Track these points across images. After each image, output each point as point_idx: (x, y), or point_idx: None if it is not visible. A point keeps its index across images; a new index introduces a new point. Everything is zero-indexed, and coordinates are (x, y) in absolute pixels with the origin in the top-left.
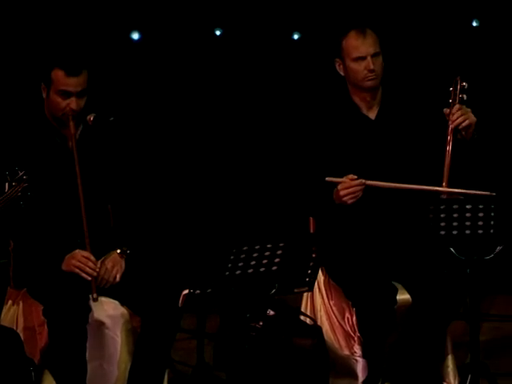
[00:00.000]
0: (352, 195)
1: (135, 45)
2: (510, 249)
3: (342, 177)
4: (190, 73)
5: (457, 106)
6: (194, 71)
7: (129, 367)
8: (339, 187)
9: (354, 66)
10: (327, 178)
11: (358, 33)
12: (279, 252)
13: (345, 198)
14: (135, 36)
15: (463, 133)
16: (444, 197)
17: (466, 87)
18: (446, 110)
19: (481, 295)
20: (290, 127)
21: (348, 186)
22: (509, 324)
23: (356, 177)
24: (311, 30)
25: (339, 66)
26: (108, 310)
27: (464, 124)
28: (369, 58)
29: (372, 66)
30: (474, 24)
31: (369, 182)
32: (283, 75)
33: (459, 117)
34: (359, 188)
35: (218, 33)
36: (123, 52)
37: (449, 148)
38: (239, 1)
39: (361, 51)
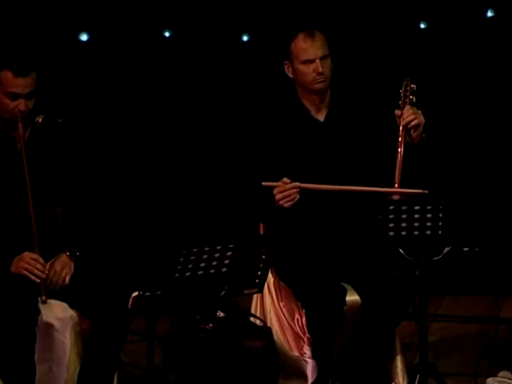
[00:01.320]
0: (288, 198)
1: (83, 46)
2: (457, 249)
3: (294, 180)
4: (138, 74)
5: (408, 107)
6: (143, 73)
7: (78, 370)
8: (274, 191)
9: (302, 68)
10: (264, 183)
11: (306, 35)
12: (229, 253)
13: (281, 202)
14: (83, 37)
15: (412, 134)
16: (396, 198)
17: (414, 89)
18: (398, 112)
19: (429, 296)
20: (239, 130)
21: (283, 190)
22: (456, 324)
23: (290, 180)
24: (261, 31)
25: (288, 68)
26: (57, 313)
27: (414, 123)
28: (317, 60)
29: (321, 69)
30: (422, 26)
31: (303, 185)
32: (233, 77)
33: (410, 115)
34: (294, 191)
35: (167, 34)
36: (71, 53)
37: (400, 149)
38: (188, 2)
39: (309, 54)
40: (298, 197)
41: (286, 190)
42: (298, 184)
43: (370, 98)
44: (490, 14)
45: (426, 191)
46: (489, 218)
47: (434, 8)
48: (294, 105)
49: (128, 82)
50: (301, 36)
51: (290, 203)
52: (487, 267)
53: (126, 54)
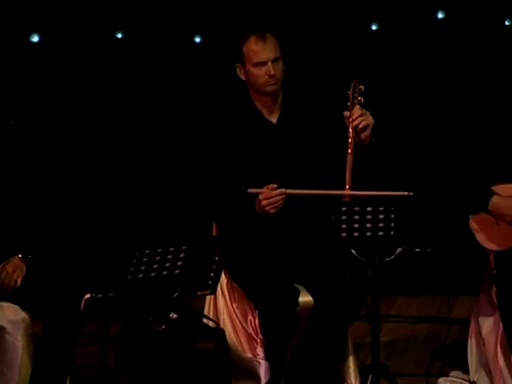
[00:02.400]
0: (274, 205)
1: (35, 47)
2: (409, 250)
3: (245, 183)
4: (90, 76)
5: (357, 107)
6: (95, 74)
7: (30, 372)
8: (260, 197)
9: (254, 71)
10: (249, 190)
11: (257, 38)
12: (182, 255)
13: (267, 208)
14: (35, 38)
15: (362, 135)
16: (347, 199)
17: (362, 90)
18: (346, 113)
19: (381, 296)
20: (191, 132)
21: (269, 196)
22: (408, 325)
23: (276, 186)
24: (213, 33)
25: (240, 70)
26: (8, 315)
27: (363, 124)
28: (269, 63)
29: (272, 72)
30: (374, 28)
31: (289, 191)
32: (185, 79)
33: (359, 117)
34: (280, 197)
35: (119, 36)
36: (23, 54)
37: (351, 151)
38: (140, 3)
39: (261, 57)
40: (282, 203)
41: (272, 197)
42: (283, 190)
43: (321, 100)
44: (440, 15)
45: (411, 193)
46: (440, 218)
47: (384, 9)
48: (246, 107)
49: (79, 84)
50: (252, 39)
51: (275, 209)
52: (439, 267)
53: (78, 54)
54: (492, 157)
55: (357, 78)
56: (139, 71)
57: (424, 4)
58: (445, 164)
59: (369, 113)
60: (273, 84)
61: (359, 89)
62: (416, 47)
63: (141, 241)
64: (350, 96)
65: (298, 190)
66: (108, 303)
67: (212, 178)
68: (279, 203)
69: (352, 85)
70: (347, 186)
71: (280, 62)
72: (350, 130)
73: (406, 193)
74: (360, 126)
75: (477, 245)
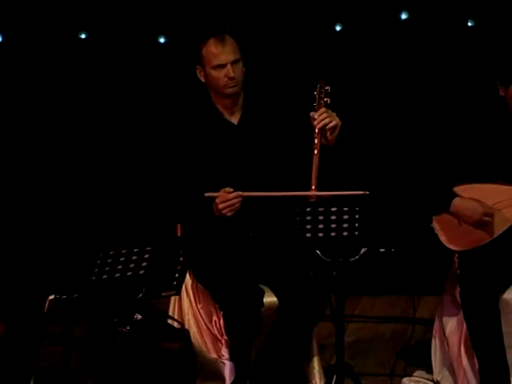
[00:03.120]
0: (230, 208)
1: None
2: (374, 250)
3: (205, 185)
4: (52, 75)
5: (323, 109)
6: (57, 74)
7: None
8: (217, 201)
9: (214, 73)
10: (206, 194)
11: (217, 40)
12: (146, 256)
13: (224, 211)
14: None
15: (328, 136)
16: (312, 200)
17: (329, 91)
18: (313, 114)
19: (346, 296)
20: (152, 133)
21: (225, 199)
22: (373, 325)
23: (232, 189)
24: (177, 33)
25: (200, 73)
26: None
27: (330, 125)
28: (229, 65)
29: (232, 74)
30: (338, 28)
31: (245, 194)
32: (149, 79)
33: (325, 118)
34: (237, 200)
35: (83, 36)
36: None
37: (316, 151)
38: (105, 3)
39: (220, 59)
40: (239, 206)
41: (228, 200)
42: (240, 193)
43: (285, 100)
44: (404, 16)
45: (367, 192)
46: (404, 219)
47: (348, 10)
48: (207, 108)
49: (42, 84)
50: (211, 41)
51: (232, 212)
52: (403, 268)
53: (41, 55)
54: (454, 157)
55: (322, 78)
56: (103, 71)
57: (388, 5)
58: (408, 165)
59: (335, 114)
60: (233, 86)
61: (325, 89)
62: (379, 48)
63: (105, 242)
64: (317, 97)
65: (255, 193)
66: (72, 304)
67: (172, 179)
68: (236, 206)
69: (318, 85)
70: (313, 187)
71: (240, 64)
72: (316, 130)
73: (362, 192)
74: (328, 126)
75: (440, 245)
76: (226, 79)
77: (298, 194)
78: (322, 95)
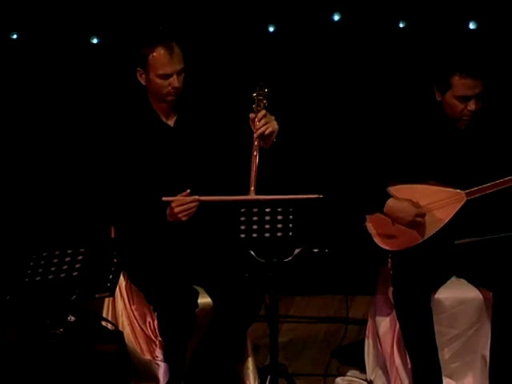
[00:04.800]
0: (186, 212)
1: None
2: (307, 251)
3: (141, 187)
4: None
5: (262, 113)
6: None
7: None
8: (173, 204)
9: (158, 81)
10: (163, 198)
11: (166, 50)
12: (80, 257)
13: (179, 215)
14: None
15: (266, 140)
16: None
17: (267, 93)
18: (252, 116)
19: (280, 297)
20: (86, 134)
21: (182, 203)
22: (307, 325)
23: (189, 193)
24: (111, 34)
25: (141, 75)
26: None
27: (268, 131)
28: (175, 75)
29: (177, 84)
30: (271, 29)
31: (202, 198)
32: (83, 79)
33: (264, 125)
34: (194, 205)
35: (14, 36)
36: None
37: (256, 153)
38: (37, 3)
39: (167, 69)
40: (195, 210)
41: (185, 204)
42: (197, 197)
43: (221, 102)
44: (336, 17)
45: (321, 195)
46: (337, 219)
47: (283, 11)
48: (144, 110)
49: None
50: (160, 50)
51: (187, 217)
52: (336, 268)
53: None
54: (388, 158)
55: (262, 80)
56: (35, 73)
57: (320, 6)
58: (342, 165)
59: (273, 117)
60: (174, 95)
61: (264, 91)
62: (313, 49)
63: (38, 243)
64: (256, 98)
65: (212, 197)
66: (4, 306)
67: (106, 180)
68: (192, 210)
69: (257, 87)
70: (252, 188)
71: (183, 73)
72: (255, 133)
73: (316, 195)
74: (266, 132)
75: (374, 245)
76: (169, 88)
77: (255, 199)
78: (261, 97)
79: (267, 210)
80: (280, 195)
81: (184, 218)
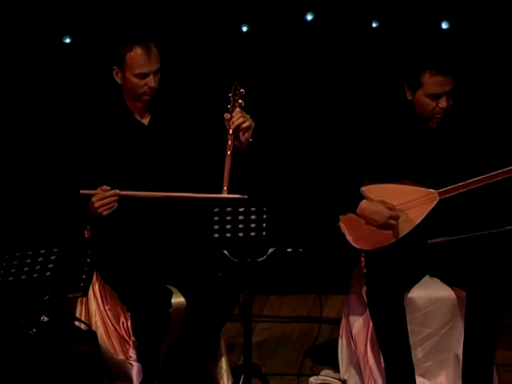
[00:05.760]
0: (106, 206)
1: None
2: (281, 250)
3: (114, 185)
4: None
5: (237, 110)
6: None
7: None
8: (93, 199)
9: (134, 80)
10: (82, 191)
11: (143, 50)
12: (53, 257)
13: (100, 210)
14: None
15: (241, 137)
16: (224, 200)
17: (243, 93)
18: (227, 115)
19: (254, 296)
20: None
21: (102, 197)
22: (281, 324)
23: (109, 188)
24: (85, 33)
25: (117, 74)
26: None
27: (244, 125)
28: (151, 75)
29: (153, 84)
30: (244, 29)
31: (123, 192)
32: (57, 78)
33: (239, 118)
34: (114, 199)
35: None
36: None
37: (230, 153)
38: (10, 3)
39: (144, 69)
40: (116, 205)
41: (105, 198)
42: (117, 191)
43: (196, 102)
44: (309, 17)
45: (246, 196)
46: (311, 219)
47: (255, 11)
48: (118, 108)
49: None
50: (138, 50)
51: (108, 211)
52: (310, 267)
53: None
54: (362, 158)
55: (238, 80)
56: (10, 73)
57: (293, 6)
58: (316, 165)
59: (248, 115)
60: (150, 94)
61: (240, 91)
62: (286, 48)
63: (11, 243)
64: (231, 98)
65: (133, 192)
66: None
67: (79, 179)
68: (112, 204)
69: (233, 87)
70: (225, 188)
71: (159, 73)
72: (230, 132)
73: (240, 196)
74: (243, 126)
75: (347, 245)
76: (145, 88)
77: (179, 195)
78: (237, 97)
79: (241, 209)
80: (206, 194)
81: (105, 213)
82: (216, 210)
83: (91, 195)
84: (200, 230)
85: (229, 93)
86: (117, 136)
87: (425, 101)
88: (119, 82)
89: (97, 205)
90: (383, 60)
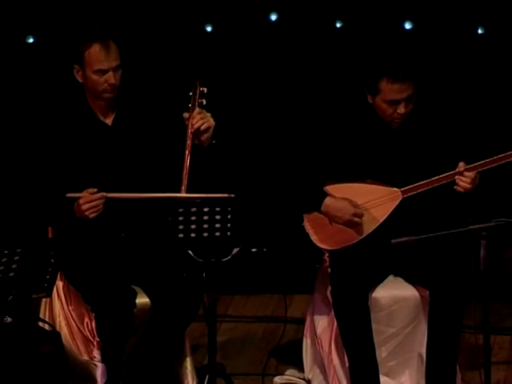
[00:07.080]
0: (94, 209)
1: None
2: (245, 250)
3: (78, 186)
4: None
5: (197, 110)
6: None
7: None
8: (80, 201)
9: (94, 77)
10: (68, 194)
11: (101, 46)
12: (16, 258)
13: (87, 213)
14: None
15: (202, 137)
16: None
17: (205, 92)
18: (186, 115)
19: (218, 296)
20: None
21: (89, 200)
22: (245, 324)
23: (96, 190)
24: (47, 32)
25: (78, 72)
26: None
27: (203, 127)
28: (111, 72)
29: (113, 81)
30: (209, 29)
31: (110, 195)
32: (21, 78)
33: (199, 120)
34: (101, 201)
35: None
36: None
37: (188, 152)
38: None
39: (103, 65)
40: (102, 207)
41: (92, 201)
42: (104, 194)
43: (158, 101)
44: (273, 17)
45: (233, 195)
46: (275, 219)
47: (219, 10)
48: (81, 108)
49: None
50: (96, 46)
51: (95, 214)
52: (275, 267)
53: None
54: (325, 157)
55: (198, 79)
56: None
57: (257, 6)
58: (279, 164)
59: (209, 114)
60: (111, 92)
61: (201, 90)
62: (250, 49)
63: None
64: (192, 97)
65: (121, 194)
66: None
67: (40, 180)
68: (99, 207)
69: (194, 86)
70: (183, 188)
71: (120, 70)
72: (189, 131)
73: (227, 195)
74: (201, 127)
75: (311, 244)
76: (105, 85)
77: (164, 196)
78: (197, 96)
79: (206, 209)
80: (193, 193)
81: (91, 216)
82: (181, 210)
83: (77, 198)
84: (165, 230)
85: (189, 92)
86: (80, 137)
87: (383, 106)
88: (80, 80)
89: (84, 207)
90: (347, 60)
